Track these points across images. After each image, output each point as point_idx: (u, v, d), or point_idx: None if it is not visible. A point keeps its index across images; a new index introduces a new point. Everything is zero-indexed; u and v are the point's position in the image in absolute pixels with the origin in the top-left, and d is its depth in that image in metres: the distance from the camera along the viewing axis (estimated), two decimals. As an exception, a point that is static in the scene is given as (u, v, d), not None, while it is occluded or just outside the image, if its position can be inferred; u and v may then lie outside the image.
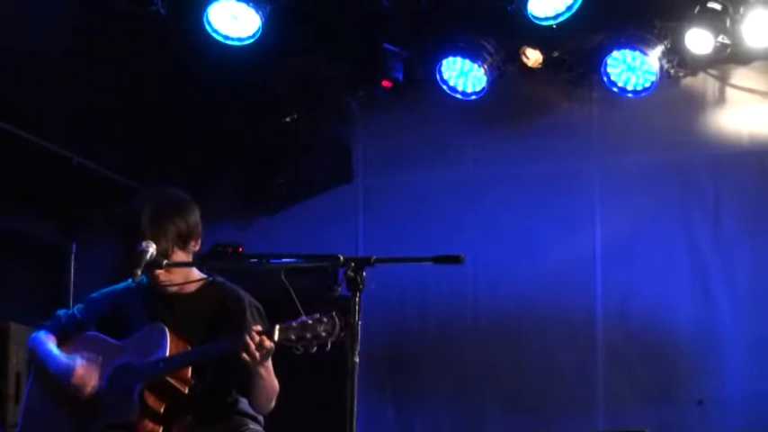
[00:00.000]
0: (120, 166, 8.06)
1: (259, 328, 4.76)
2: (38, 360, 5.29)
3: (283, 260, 4.84)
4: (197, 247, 5.16)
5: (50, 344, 5.30)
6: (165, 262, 4.94)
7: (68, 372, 5.12)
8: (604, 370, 7.75)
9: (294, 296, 4.61)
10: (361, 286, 4.35)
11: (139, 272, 4.86)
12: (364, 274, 4.37)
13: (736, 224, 7.63)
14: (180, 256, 5.06)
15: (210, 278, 5.21)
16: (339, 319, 4.59)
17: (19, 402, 5.51)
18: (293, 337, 4.66)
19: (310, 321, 4.64)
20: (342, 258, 4.44)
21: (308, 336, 4.62)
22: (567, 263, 7.88)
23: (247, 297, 5.18)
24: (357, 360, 4.26)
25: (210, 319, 5.10)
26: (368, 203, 8.35)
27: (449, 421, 7.91)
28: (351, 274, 4.37)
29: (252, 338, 4.71)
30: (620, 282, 7.81)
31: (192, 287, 5.18)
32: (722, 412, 7.42)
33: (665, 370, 7.62)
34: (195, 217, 5.13)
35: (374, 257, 4.41)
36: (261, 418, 5.23)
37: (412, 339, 8.08)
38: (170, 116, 7.76)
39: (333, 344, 4.60)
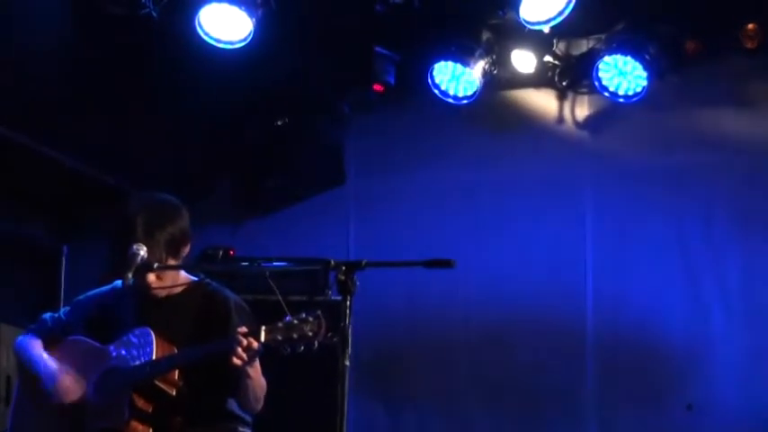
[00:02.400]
0: (113, 168, 8.05)
1: (245, 330, 4.75)
2: (23, 367, 5.30)
3: (274, 263, 4.85)
4: (186, 252, 5.17)
5: (36, 349, 5.29)
6: (156, 265, 4.94)
7: (53, 383, 5.12)
8: (595, 375, 7.76)
9: (280, 297, 4.62)
10: (351, 289, 4.36)
11: (131, 275, 4.86)
12: (355, 277, 4.38)
13: (728, 230, 7.63)
14: (171, 262, 5.07)
15: (197, 279, 5.22)
16: (324, 319, 4.60)
17: (9, 404, 5.49)
18: (280, 338, 4.66)
19: (296, 321, 4.63)
20: (333, 262, 4.44)
21: (295, 336, 4.62)
22: (557, 268, 7.88)
23: (233, 296, 5.17)
24: (348, 363, 4.27)
25: (196, 320, 5.09)
26: (359, 207, 8.35)
27: (439, 425, 7.91)
28: (341, 277, 4.37)
29: (239, 343, 4.71)
30: (611, 287, 7.82)
31: (178, 289, 5.17)
32: (712, 418, 7.43)
33: (656, 375, 7.62)
34: (186, 222, 5.11)
35: (365, 261, 4.41)
36: (250, 419, 5.22)
37: (402, 342, 8.08)
38: (162, 119, 7.76)
39: (320, 344, 4.60)
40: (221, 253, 7.50)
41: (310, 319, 4.62)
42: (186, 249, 5.12)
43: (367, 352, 7.72)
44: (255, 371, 4.94)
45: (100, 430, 4.99)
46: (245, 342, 4.70)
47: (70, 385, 5.10)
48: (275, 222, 8.41)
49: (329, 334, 4.57)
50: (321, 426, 4.54)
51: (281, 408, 5.45)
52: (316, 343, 4.61)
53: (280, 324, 4.67)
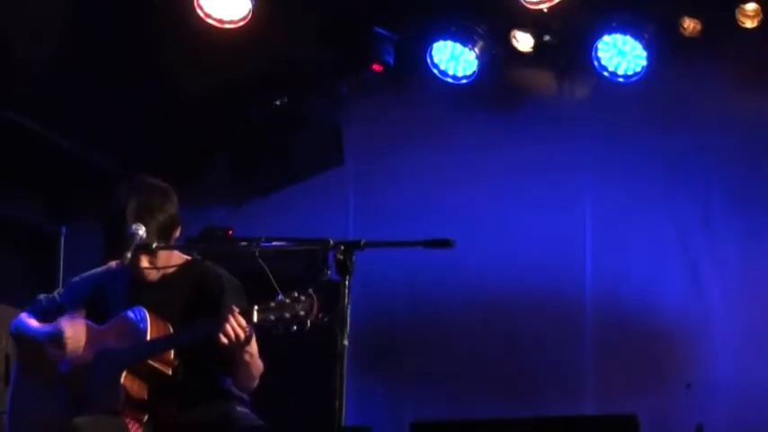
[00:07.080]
0: (111, 149, 8.04)
1: (236, 310, 4.73)
2: (22, 336, 5.29)
3: (273, 243, 4.83)
4: (177, 235, 5.16)
5: (32, 324, 5.28)
6: (154, 245, 4.94)
7: (58, 334, 5.11)
8: (593, 354, 7.77)
9: (270, 276, 4.60)
10: (350, 270, 4.36)
11: (129, 255, 4.86)
12: (354, 257, 4.38)
13: (726, 209, 7.64)
14: None
15: (190, 258, 5.21)
16: (317, 298, 4.58)
17: (8, 384, 5.49)
18: (272, 318, 4.64)
19: (288, 300, 4.61)
20: (332, 242, 4.45)
21: (287, 315, 4.59)
22: (556, 247, 7.89)
23: (226, 275, 5.17)
24: (346, 343, 4.26)
25: (190, 298, 5.09)
26: (358, 187, 8.35)
27: (438, 404, 7.90)
28: (340, 257, 4.38)
29: (229, 323, 4.69)
30: (610, 266, 7.82)
31: (171, 269, 5.15)
32: (710, 396, 7.44)
33: (654, 354, 7.63)
34: (175, 207, 5.11)
35: (364, 241, 4.42)
36: (247, 398, 5.21)
37: (402, 322, 8.08)
38: (161, 100, 7.75)
39: (312, 324, 4.58)
40: (220, 233, 7.50)
41: (302, 297, 4.59)
42: (177, 233, 5.13)
43: (366, 332, 7.71)
44: (252, 355, 4.92)
45: (96, 412, 4.96)
46: (233, 322, 4.69)
47: (75, 332, 5.10)
48: (275, 203, 8.40)
49: (320, 314, 4.56)
50: (320, 405, 4.53)
51: (279, 388, 5.45)
52: (308, 323, 4.59)
53: (272, 303, 4.65)
